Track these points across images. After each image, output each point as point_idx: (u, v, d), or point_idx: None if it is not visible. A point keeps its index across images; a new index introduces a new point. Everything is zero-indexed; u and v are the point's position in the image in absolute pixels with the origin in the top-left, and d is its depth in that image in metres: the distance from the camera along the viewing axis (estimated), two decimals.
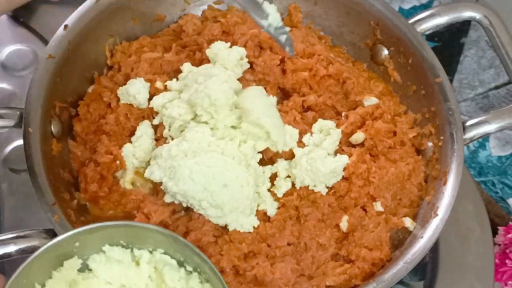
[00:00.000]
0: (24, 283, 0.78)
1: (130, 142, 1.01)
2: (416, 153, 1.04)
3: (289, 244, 0.95)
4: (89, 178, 0.98)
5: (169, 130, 1.00)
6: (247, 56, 1.07)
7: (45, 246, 0.79)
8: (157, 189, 0.99)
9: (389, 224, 0.97)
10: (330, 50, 1.13)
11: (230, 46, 1.06)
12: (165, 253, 0.84)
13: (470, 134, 1.00)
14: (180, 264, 0.85)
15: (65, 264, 0.83)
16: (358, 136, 1.03)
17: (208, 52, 1.05)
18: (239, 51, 1.06)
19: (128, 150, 0.99)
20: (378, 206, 0.98)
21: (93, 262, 0.84)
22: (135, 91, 1.01)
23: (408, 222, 0.98)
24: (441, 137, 1.00)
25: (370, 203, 0.98)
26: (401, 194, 1.00)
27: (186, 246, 0.81)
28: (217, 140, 0.94)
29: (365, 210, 0.98)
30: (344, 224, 0.96)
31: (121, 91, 1.03)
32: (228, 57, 1.04)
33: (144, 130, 1.01)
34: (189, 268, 0.84)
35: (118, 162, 0.99)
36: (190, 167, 0.91)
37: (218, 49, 1.05)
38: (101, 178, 0.99)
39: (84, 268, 0.85)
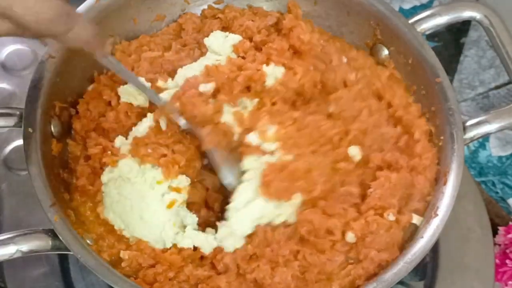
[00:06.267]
0: None
1: None
2: None
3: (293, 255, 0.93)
4: (78, 172, 0.97)
5: None
6: None
7: None
8: None
9: (400, 224, 0.94)
10: None
11: None
12: None
13: (470, 134, 0.99)
14: None
15: None
16: None
17: (206, 40, 1.04)
18: (234, 39, 1.05)
19: (121, 142, 0.97)
20: (391, 217, 0.94)
21: None
22: (136, 90, 1.01)
23: (415, 218, 0.95)
24: (441, 137, 1.00)
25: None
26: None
27: None
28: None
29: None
30: (350, 236, 0.93)
31: (121, 90, 1.02)
32: (223, 45, 1.03)
33: (149, 124, 0.98)
34: None
35: (109, 152, 0.96)
36: (112, 197, 0.92)
37: (215, 38, 1.04)
38: (92, 172, 0.97)
39: None
